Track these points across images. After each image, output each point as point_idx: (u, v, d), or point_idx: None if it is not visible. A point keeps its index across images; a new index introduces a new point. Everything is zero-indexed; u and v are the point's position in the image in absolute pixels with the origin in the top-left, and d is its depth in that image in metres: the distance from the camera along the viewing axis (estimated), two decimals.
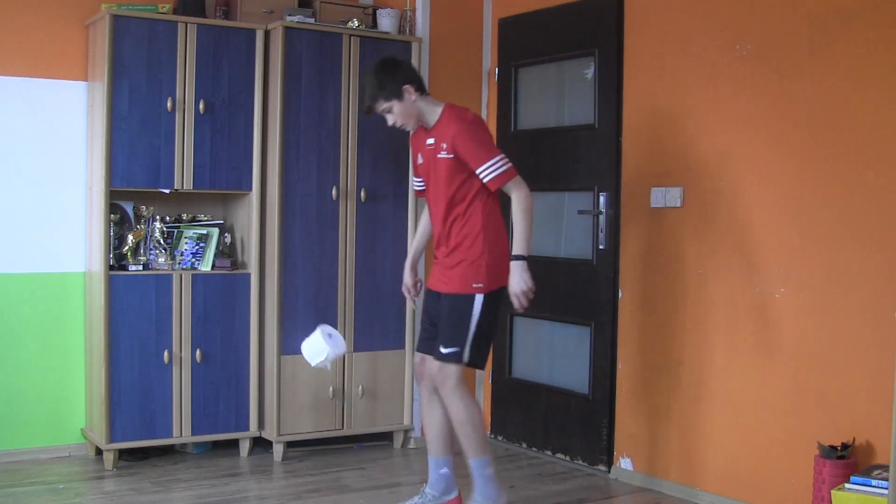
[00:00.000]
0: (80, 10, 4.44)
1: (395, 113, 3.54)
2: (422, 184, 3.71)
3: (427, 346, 3.63)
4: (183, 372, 4.37)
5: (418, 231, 3.93)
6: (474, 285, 3.45)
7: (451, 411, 3.50)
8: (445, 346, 3.48)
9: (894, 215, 3.34)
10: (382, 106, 3.54)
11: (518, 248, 3.41)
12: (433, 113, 3.56)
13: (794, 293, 3.65)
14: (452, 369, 3.48)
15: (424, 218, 3.85)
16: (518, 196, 3.44)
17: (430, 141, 3.55)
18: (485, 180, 3.44)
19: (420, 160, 3.65)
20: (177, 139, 4.32)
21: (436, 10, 4.94)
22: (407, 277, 3.85)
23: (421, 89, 3.57)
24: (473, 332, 3.46)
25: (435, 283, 3.61)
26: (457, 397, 3.48)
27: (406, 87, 3.52)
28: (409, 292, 3.85)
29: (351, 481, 4.23)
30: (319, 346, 4.01)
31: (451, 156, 3.46)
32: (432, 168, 3.55)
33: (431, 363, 3.55)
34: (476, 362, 3.52)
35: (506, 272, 3.44)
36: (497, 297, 3.51)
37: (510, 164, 3.45)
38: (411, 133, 3.70)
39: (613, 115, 4.39)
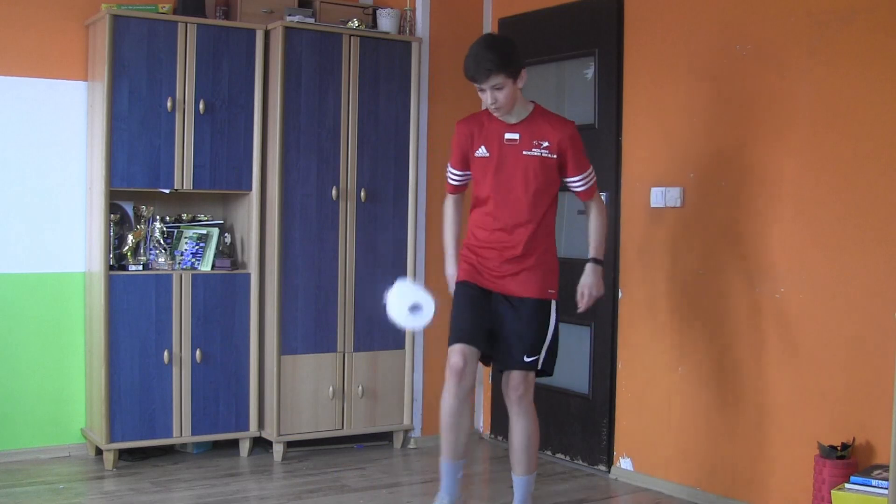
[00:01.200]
0: (80, 10, 4.44)
1: (504, 92, 3.25)
2: (464, 178, 3.54)
3: (479, 340, 3.39)
4: (183, 372, 4.37)
5: (454, 232, 3.61)
6: (549, 291, 3.43)
7: (528, 422, 3.45)
8: (530, 355, 3.38)
9: (894, 215, 3.34)
10: (497, 80, 3.22)
11: (599, 252, 3.49)
12: (524, 108, 3.37)
13: (794, 293, 3.65)
14: (532, 378, 3.43)
15: (455, 216, 3.60)
16: (601, 204, 3.52)
17: (514, 136, 3.35)
18: (580, 188, 3.43)
19: (483, 152, 3.39)
20: (177, 139, 4.32)
21: (436, 10, 4.94)
22: (452, 273, 3.58)
23: None
24: (550, 339, 3.44)
25: (495, 283, 3.41)
26: (533, 408, 3.46)
27: (524, 70, 3.30)
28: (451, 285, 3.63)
29: (351, 481, 4.23)
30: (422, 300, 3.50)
31: (554, 156, 3.35)
32: (511, 163, 3.34)
33: (514, 375, 3.40)
34: (548, 370, 3.49)
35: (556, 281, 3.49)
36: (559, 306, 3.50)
37: (596, 178, 3.51)
38: (465, 124, 3.45)
39: (613, 115, 4.39)
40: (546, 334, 3.42)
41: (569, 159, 3.36)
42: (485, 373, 5.10)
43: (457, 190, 3.60)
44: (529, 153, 3.34)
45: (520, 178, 3.35)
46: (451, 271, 3.59)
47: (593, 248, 3.49)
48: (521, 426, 3.46)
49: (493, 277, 3.42)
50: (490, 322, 3.42)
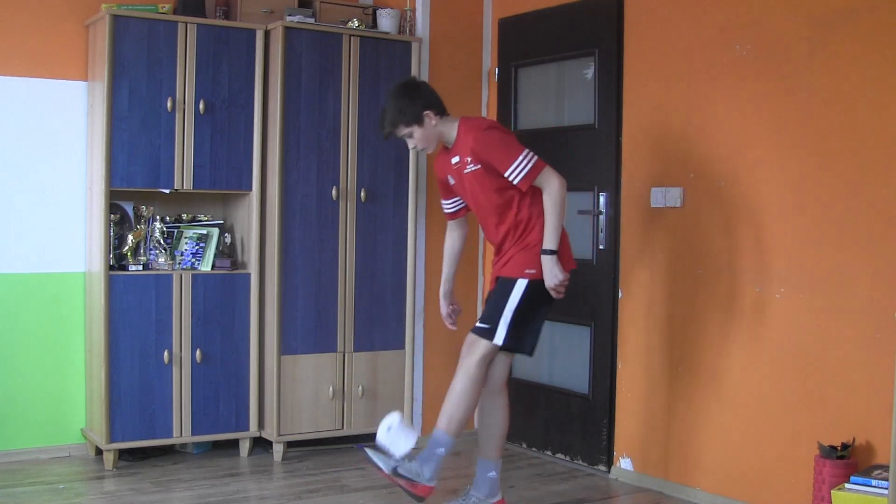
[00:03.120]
0: (80, 10, 4.44)
1: (415, 138, 3.52)
2: (454, 205, 3.74)
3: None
4: (183, 372, 4.37)
5: (447, 256, 3.86)
6: (526, 270, 3.46)
7: (455, 380, 3.46)
8: (480, 322, 3.51)
9: (894, 215, 3.34)
10: (403, 131, 3.51)
11: (547, 241, 3.42)
12: (452, 131, 3.54)
13: (794, 293, 3.65)
14: (481, 345, 3.46)
15: (450, 241, 3.84)
16: (549, 187, 3.42)
17: (455, 159, 3.54)
18: (517, 179, 3.41)
19: (451, 181, 3.63)
20: (177, 139, 4.32)
21: (436, 10, 4.94)
22: (443, 307, 3.85)
23: (441, 112, 3.53)
24: (512, 314, 3.45)
25: (494, 272, 3.64)
26: (470, 374, 3.44)
27: (426, 112, 3.50)
28: (447, 321, 3.85)
29: (351, 481, 4.23)
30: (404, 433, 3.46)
31: (478, 166, 3.46)
32: (466, 184, 3.54)
33: (468, 335, 3.53)
34: (514, 346, 3.53)
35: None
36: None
37: (536, 158, 3.41)
38: (433, 157, 3.74)
39: (613, 115, 4.39)
40: (504, 307, 3.45)
41: (487, 162, 3.42)
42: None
43: (453, 216, 3.80)
44: (468, 170, 3.49)
45: (478, 192, 3.52)
46: (443, 310, 3.85)
47: (545, 236, 3.44)
48: (455, 381, 3.46)
49: (495, 273, 3.65)
50: None
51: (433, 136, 3.54)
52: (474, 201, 3.58)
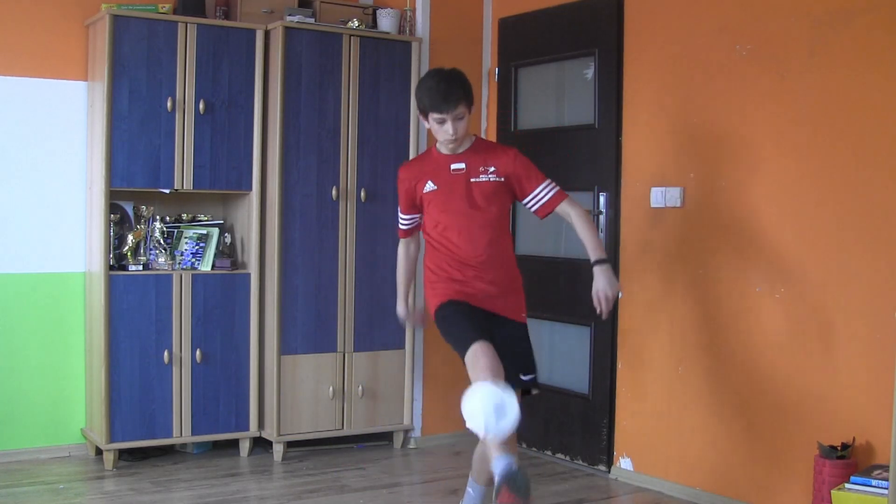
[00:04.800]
0: (80, 10, 4.44)
1: (463, 123, 3.28)
2: (413, 221, 3.52)
3: (488, 334, 3.22)
4: (183, 372, 4.37)
5: (408, 269, 3.66)
6: (522, 314, 3.43)
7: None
8: (527, 373, 3.40)
9: (894, 215, 3.34)
10: (460, 110, 3.26)
11: (600, 253, 3.30)
12: (468, 140, 3.39)
13: (794, 293, 3.65)
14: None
15: (408, 254, 3.64)
16: (580, 210, 3.35)
17: (460, 165, 3.34)
18: (544, 199, 3.32)
19: (430, 187, 3.39)
20: (177, 139, 4.32)
21: (436, 10, 4.94)
22: (403, 313, 3.70)
23: None
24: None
25: (485, 300, 3.34)
26: None
27: (473, 102, 3.36)
28: (411, 319, 3.80)
29: (351, 481, 4.23)
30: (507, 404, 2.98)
31: (502, 179, 3.33)
32: (460, 193, 3.34)
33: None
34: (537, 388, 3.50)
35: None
36: None
37: (558, 187, 3.36)
38: (406, 169, 3.48)
39: (613, 115, 4.39)
40: (531, 350, 3.44)
41: (521, 177, 3.33)
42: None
43: (408, 234, 3.60)
44: (477, 179, 3.34)
45: (470, 205, 3.33)
46: (401, 310, 3.69)
47: (591, 249, 3.32)
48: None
49: (477, 295, 3.33)
50: (491, 328, 3.28)
51: (467, 129, 3.34)
52: (465, 212, 3.33)
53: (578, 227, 3.34)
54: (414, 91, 3.32)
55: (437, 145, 3.41)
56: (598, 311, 3.28)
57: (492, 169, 3.34)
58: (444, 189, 3.38)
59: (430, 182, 3.40)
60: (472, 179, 3.35)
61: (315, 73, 4.52)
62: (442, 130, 3.28)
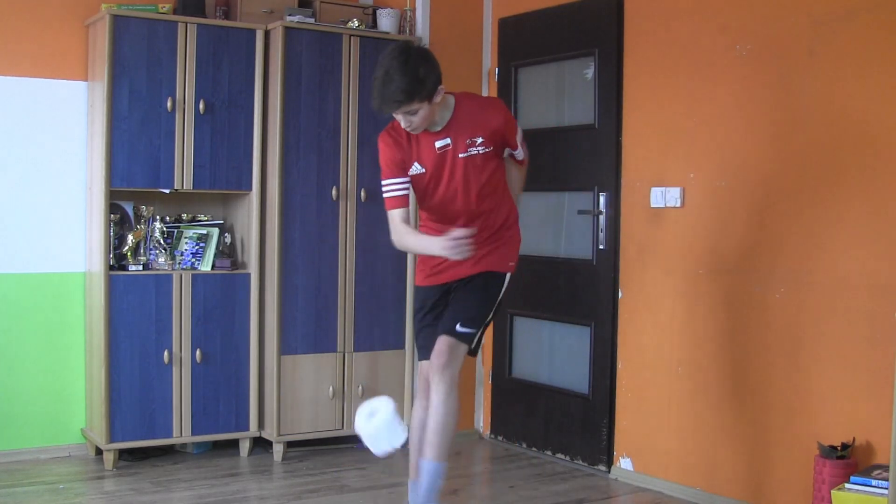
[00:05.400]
0: (80, 10, 4.44)
1: (419, 116, 2.99)
2: (405, 184, 3.18)
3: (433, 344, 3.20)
4: (183, 372, 4.37)
5: (416, 234, 3.28)
6: (510, 263, 3.25)
7: (441, 402, 3.11)
8: (465, 325, 3.11)
9: (894, 215, 3.34)
10: (412, 107, 2.96)
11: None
12: (446, 109, 3.09)
13: (794, 293, 3.65)
14: (462, 351, 3.13)
15: (408, 229, 3.21)
16: (524, 174, 3.43)
17: (444, 142, 3.09)
18: (521, 156, 3.32)
19: (417, 169, 3.14)
20: (177, 139, 4.32)
21: (436, 10, 4.94)
22: (453, 233, 3.08)
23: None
24: (491, 314, 3.23)
25: (450, 275, 3.22)
26: (454, 389, 3.12)
27: (440, 87, 3.00)
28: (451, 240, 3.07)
29: (351, 481, 4.23)
30: (392, 429, 3.04)
31: (490, 148, 3.10)
32: (449, 171, 3.12)
33: (441, 340, 3.11)
34: (476, 350, 3.27)
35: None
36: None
37: (527, 153, 3.39)
38: (388, 141, 3.15)
39: (613, 115, 4.39)
40: (490, 309, 3.19)
41: (511, 136, 3.16)
42: (485, 373, 5.11)
43: (404, 202, 3.17)
44: (465, 154, 3.09)
45: (464, 183, 3.12)
46: (437, 240, 3.13)
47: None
48: (436, 401, 3.12)
49: (449, 271, 3.22)
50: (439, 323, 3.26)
51: (432, 115, 3.03)
52: (453, 188, 3.13)
53: (519, 176, 3.40)
54: None
55: None
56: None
57: (479, 140, 3.09)
58: (432, 171, 3.13)
59: (416, 164, 3.14)
60: (461, 155, 3.10)
61: (315, 73, 4.52)
62: (397, 118, 3.03)
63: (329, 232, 4.57)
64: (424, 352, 3.29)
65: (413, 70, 2.90)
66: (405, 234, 3.18)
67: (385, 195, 3.20)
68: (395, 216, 3.18)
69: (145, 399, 4.29)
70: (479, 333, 3.22)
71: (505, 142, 3.21)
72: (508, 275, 3.28)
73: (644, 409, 4.25)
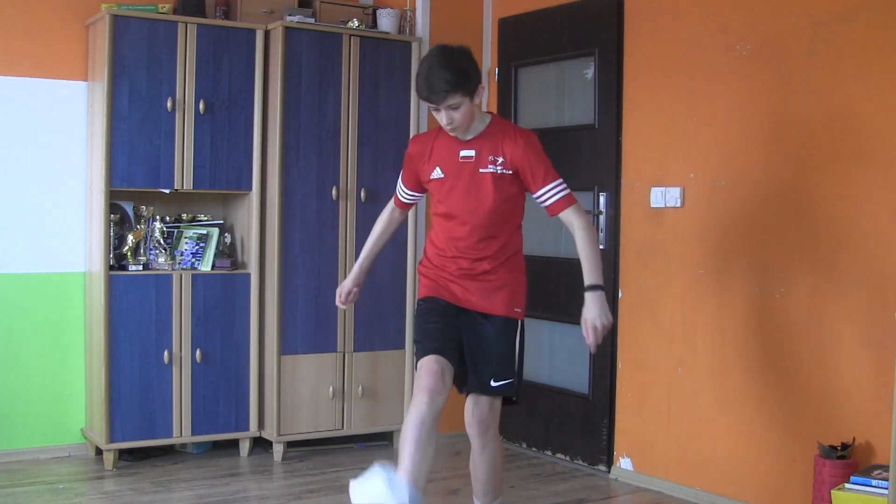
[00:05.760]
0: (80, 10, 4.44)
1: (460, 111, 2.99)
2: (413, 198, 3.35)
3: (451, 354, 3.09)
4: (183, 372, 4.37)
5: (380, 232, 3.44)
6: (516, 309, 3.17)
7: (494, 453, 3.19)
8: (498, 379, 3.10)
9: (894, 215, 3.34)
10: (454, 101, 2.95)
11: (596, 277, 3.04)
12: (481, 122, 3.10)
13: (794, 293, 3.65)
14: (499, 405, 3.15)
15: (389, 221, 3.43)
16: (584, 222, 3.08)
17: (469, 153, 3.09)
18: (548, 202, 3.08)
19: (438, 174, 3.15)
20: (177, 139, 4.32)
21: (436, 10, 4.94)
22: (350, 281, 3.40)
23: None
24: (519, 361, 3.16)
25: (464, 300, 3.16)
26: (498, 436, 3.21)
27: (481, 86, 3.04)
28: (342, 297, 3.40)
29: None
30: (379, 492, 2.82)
31: (510, 172, 3.07)
32: (467, 182, 3.10)
33: (478, 404, 3.13)
34: (517, 398, 3.21)
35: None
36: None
37: (570, 190, 3.12)
38: (418, 144, 3.25)
39: (613, 115, 4.39)
40: (514, 356, 3.14)
41: (527, 172, 3.07)
42: None
43: (404, 206, 3.39)
44: (485, 170, 3.08)
45: (479, 196, 3.10)
46: (347, 282, 3.41)
47: (588, 272, 3.06)
48: (487, 458, 3.19)
49: (458, 293, 3.17)
50: (459, 334, 3.15)
51: (472, 116, 3.04)
52: (466, 205, 3.12)
53: (579, 242, 3.08)
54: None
55: None
56: (587, 342, 3.02)
57: (500, 160, 3.07)
58: (451, 178, 3.14)
59: (437, 168, 3.17)
60: (481, 170, 3.09)
61: (315, 73, 4.52)
62: (438, 118, 3.04)
63: (329, 232, 4.57)
64: (432, 347, 3.09)
65: (458, 63, 2.96)
66: (378, 222, 3.48)
67: (396, 191, 3.41)
68: (389, 204, 3.47)
69: (145, 399, 4.29)
70: (517, 382, 3.16)
71: (524, 173, 3.08)
72: (520, 323, 3.21)
73: (644, 409, 4.25)
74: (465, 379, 3.16)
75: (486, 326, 3.14)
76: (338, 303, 3.44)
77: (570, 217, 3.09)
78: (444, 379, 3.00)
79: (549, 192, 3.08)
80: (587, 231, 3.07)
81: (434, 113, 3.05)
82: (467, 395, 3.19)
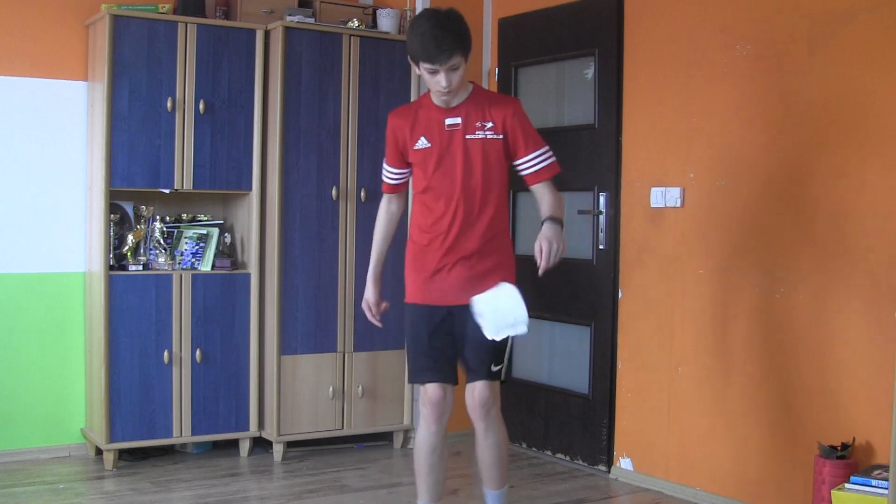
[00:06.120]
0: (80, 10, 4.44)
1: (458, 73, 2.99)
2: (402, 176, 3.26)
3: (449, 372, 3.17)
4: (183, 372, 4.37)
5: (385, 231, 3.37)
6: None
7: (499, 435, 3.21)
8: (497, 363, 3.11)
9: (894, 214, 3.34)
10: (456, 60, 2.96)
11: (558, 212, 3.05)
12: (465, 90, 3.09)
13: (794, 293, 3.65)
14: (499, 388, 3.17)
15: (390, 214, 3.37)
16: (555, 190, 3.11)
17: (455, 120, 3.07)
18: (530, 170, 3.07)
19: (423, 143, 3.11)
20: (177, 139, 4.33)
21: None
22: (371, 293, 3.36)
23: None
24: (511, 345, 3.15)
25: (452, 296, 3.13)
26: (501, 418, 3.22)
27: (470, 51, 3.04)
28: (372, 310, 3.38)
29: (351, 481, 4.23)
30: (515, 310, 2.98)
31: (500, 136, 3.04)
32: (455, 150, 3.07)
33: (479, 388, 3.13)
34: (503, 378, 3.21)
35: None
36: None
37: (555, 159, 3.12)
38: (398, 116, 3.18)
39: (613, 115, 4.39)
40: (508, 340, 3.12)
41: (518, 136, 3.05)
42: None
43: (394, 189, 3.31)
44: (473, 136, 3.06)
45: (467, 164, 3.07)
46: (371, 296, 3.37)
47: (550, 208, 3.05)
48: (493, 441, 3.21)
49: (446, 288, 3.14)
50: (453, 344, 3.16)
51: (464, 80, 3.04)
52: (453, 174, 3.08)
53: (552, 198, 3.08)
54: (406, 34, 3.03)
55: (431, 95, 3.10)
56: (538, 263, 2.95)
57: (489, 124, 3.06)
58: (437, 147, 3.10)
59: (422, 138, 3.12)
60: (468, 136, 3.07)
61: (315, 73, 4.52)
62: (433, 81, 2.99)
63: (329, 232, 4.57)
64: (431, 374, 3.17)
65: (457, 25, 3.00)
66: (378, 221, 3.39)
67: (382, 177, 3.35)
68: (383, 198, 3.39)
69: (145, 399, 4.29)
70: (506, 365, 3.20)
71: (515, 137, 3.07)
72: None
73: (644, 409, 4.25)
74: (468, 366, 3.20)
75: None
76: (371, 318, 3.41)
77: (547, 186, 3.09)
78: (447, 400, 3.15)
79: (538, 158, 3.09)
80: (560, 198, 3.10)
81: (430, 76, 3.00)
82: (466, 382, 3.21)
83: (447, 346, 3.16)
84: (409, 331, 3.25)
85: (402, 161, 3.23)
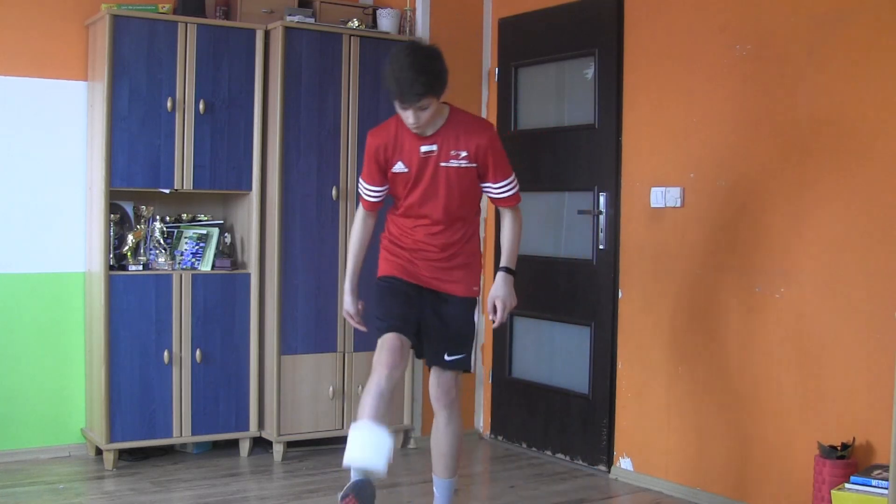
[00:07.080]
0: (80, 10, 4.44)
1: (428, 112, 3.07)
2: (380, 194, 3.35)
3: (409, 331, 3.25)
4: (183, 372, 4.37)
5: (360, 245, 3.45)
6: (474, 288, 3.34)
7: (458, 426, 3.36)
8: (452, 353, 3.28)
9: (894, 215, 3.34)
10: (424, 102, 3.02)
11: (513, 263, 3.29)
12: (440, 116, 3.17)
13: (794, 293, 3.65)
14: (460, 378, 3.36)
15: (365, 229, 3.44)
16: (517, 216, 3.32)
17: (431, 148, 3.17)
18: (503, 194, 3.25)
19: (401, 168, 3.23)
20: (177, 139, 4.33)
21: (436, 10, 4.94)
22: (350, 304, 3.45)
23: None
24: (475, 335, 3.36)
25: (424, 279, 3.30)
26: (461, 409, 3.40)
27: (446, 87, 3.11)
28: (355, 319, 3.47)
29: None
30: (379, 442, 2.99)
31: (474, 165, 3.19)
32: (430, 176, 3.20)
33: (444, 377, 3.30)
34: (469, 368, 3.38)
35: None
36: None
37: (518, 188, 3.31)
38: (378, 137, 3.26)
39: (613, 115, 4.39)
40: (473, 332, 3.32)
41: (489, 166, 3.20)
42: (485, 373, 5.11)
43: (374, 207, 3.39)
44: (447, 164, 3.18)
45: (440, 190, 3.21)
46: (349, 303, 3.46)
47: (506, 257, 3.29)
48: (452, 430, 3.35)
49: (419, 273, 3.30)
50: (419, 314, 3.28)
51: (436, 115, 3.12)
52: (428, 198, 3.23)
53: (508, 228, 3.31)
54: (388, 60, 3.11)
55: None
56: (492, 317, 3.27)
57: (463, 153, 3.17)
58: (414, 172, 3.21)
59: (400, 163, 3.23)
60: (443, 164, 3.18)
61: (315, 73, 4.52)
62: (404, 116, 3.09)
63: (329, 232, 4.58)
64: (393, 325, 3.21)
65: (432, 66, 3.03)
66: (354, 230, 3.47)
67: (360, 193, 3.41)
68: (359, 211, 3.46)
69: (145, 399, 4.29)
70: (468, 357, 3.35)
71: (485, 167, 3.21)
72: (477, 300, 3.39)
73: (644, 409, 4.25)
74: (422, 350, 3.37)
75: (447, 306, 3.31)
76: (356, 325, 3.50)
77: (514, 211, 3.32)
78: (403, 354, 3.18)
79: (506, 187, 3.27)
80: (520, 224, 3.34)
81: (400, 111, 3.10)
82: (430, 370, 3.36)
83: (412, 311, 3.28)
84: (379, 294, 3.34)
85: (383, 179, 3.32)
